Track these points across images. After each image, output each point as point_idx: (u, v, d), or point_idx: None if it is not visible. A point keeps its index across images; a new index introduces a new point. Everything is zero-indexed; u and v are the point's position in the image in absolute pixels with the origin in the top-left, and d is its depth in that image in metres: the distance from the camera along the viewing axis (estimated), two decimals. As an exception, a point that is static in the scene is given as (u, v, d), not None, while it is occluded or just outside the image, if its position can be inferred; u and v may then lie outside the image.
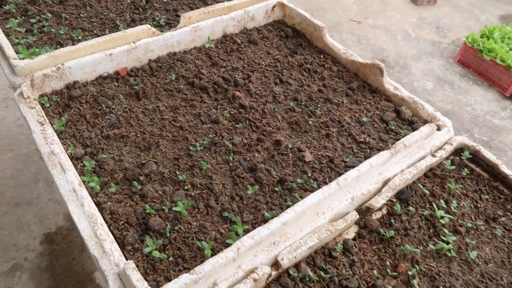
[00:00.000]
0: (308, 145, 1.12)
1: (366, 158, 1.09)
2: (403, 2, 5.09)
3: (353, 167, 1.03)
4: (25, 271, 2.32)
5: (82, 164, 1.01)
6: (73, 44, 1.35)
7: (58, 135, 1.07)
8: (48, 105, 1.15)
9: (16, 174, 2.85)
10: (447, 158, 1.13)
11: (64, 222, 2.61)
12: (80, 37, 1.40)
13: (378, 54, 4.16)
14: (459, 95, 3.68)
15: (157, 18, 1.50)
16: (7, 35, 1.36)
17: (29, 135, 3.15)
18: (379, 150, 1.11)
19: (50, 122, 1.09)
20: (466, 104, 3.49)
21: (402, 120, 1.23)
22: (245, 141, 1.11)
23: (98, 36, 1.41)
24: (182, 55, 1.37)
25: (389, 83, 1.31)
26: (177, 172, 1.02)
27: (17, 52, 1.26)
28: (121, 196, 0.96)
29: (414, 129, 1.18)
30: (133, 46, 1.27)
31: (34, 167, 2.88)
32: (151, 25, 1.46)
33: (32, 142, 3.11)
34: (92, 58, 1.22)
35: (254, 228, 0.89)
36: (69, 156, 1.01)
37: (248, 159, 1.06)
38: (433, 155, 1.10)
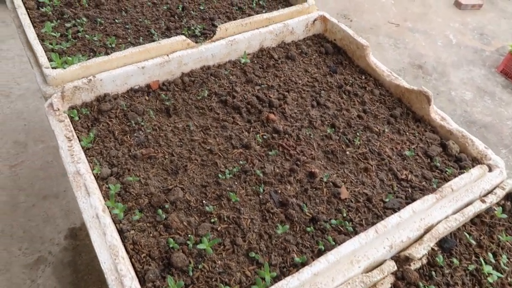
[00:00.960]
0: (345, 179, 1.04)
1: (407, 198, 1.00)
2: (446, 6, 4.86)
3: (393, 209, 0.95)
4: (48, 264, 2.35)
5: (107, 186, 0.98)
6: (106, 53, 1.32)
7: (85, 151, 1.04)
8: (77, 118, 1.12)
9: (45, 166, 2.89)
10: (498, 204, 1.03)
11: (88, 218, 2.61)
12: (113, 45, 1.36)
13: (415, 60, 3.99)
14: (500, 107, 3.47)
15: (192, 28, 1.45)
16: (42, 39, 1.34)
17: (60, 127, 3.18)
18: (421, 190, 1.02)
19: (78, 137, 1.05)
20: (507, 118, 3.29)
21: (449, 155, 1.13)
22: (277, 170, 1.04)
23: (132, 44, 1.38)
24: (216, 69, 1.32)
25: (436, 113, 1.20)
26: (204, 201, 0.96)
27: (49, 60, 1.24)
28: (145, 225, 0.91)
29: (461, 167, 1.09)
30: (166, 59, 1.22)
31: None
32: (186, 34, 1.41)
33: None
34: (124, 70, 1.17)
35: (282, 273, 0.82)
36: (94, 177, 0.97)
37: (279, 191, 0.99)
38: (483, 201, 1.00)
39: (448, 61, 4.07)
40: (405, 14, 4.63)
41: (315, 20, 1.46)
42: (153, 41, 1.40)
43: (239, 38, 1.33)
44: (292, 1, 1.61)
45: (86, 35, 1.39)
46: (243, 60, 1.33)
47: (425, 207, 0.92)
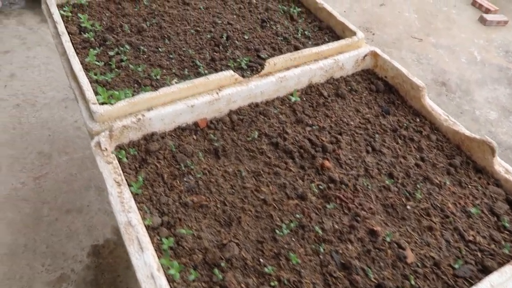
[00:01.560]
0: (408, 239, 0.98)
1: (477, 264, 0.93)
2: (470, 21, 4.76)
3: (464, 278, 0.88)
4: (71, 283, 2.31)
5: (158, 238, 0.92)
6: (151, 84, 1.28)
7: (134, 196, 0.99)
8: (125, 159, 1.07)
9: (69, 179, 2.87)
10: None
11: (112, 235, 2.59)
12: (158, 77, 1.32)
13: (439, 76, 3.90)
14: (526, 129, 3.37)
15: (238, 60, 1.40)
16: (86, 68, 1.31)
17: (85, 139, 3.17)
18: (492, 255, 0.95)
19: (126, 181, 1.01)
20: (533, 140, 3.19)
21: (516, 214, 1.06)
22: (336, 226, 0.98)
23: (177, 75, 1.33)
24: (264, 107, 1.26)
25: (500, 165, 1.13)
26: (261, 260, 0.91)
27: (95, 92, 1.19)
28: (200, 285, 0.86)
29: (531, 229, 1.01)
30: (216, 97, 1.17)
31: (87, 173, 2.89)
32: (232, 67, 1.36)
33: (87, 146, 3.12)
34: (173, 109, 1.13)
35: None
36: (146, 228, 0.92)
37: (340, 251, 0.93)
38: (559, 270, 0.92)
39: (472, 79, 3.99)
40: (428, 28, 4.55)
41: (365, 55, 1.40)
42: (198, 72, 1.35)
43: (289, 75, 1.27)
44: (338, 32, 1.55)
45: (130, 65, 1.35)
46: (293, 99, 1.27)
47: (503, 280, 0.85)
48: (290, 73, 1.27)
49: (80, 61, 1.24)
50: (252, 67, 1.38)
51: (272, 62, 1.31)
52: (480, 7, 4.83)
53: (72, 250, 2.52)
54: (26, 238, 2.55)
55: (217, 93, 1.18)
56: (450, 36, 4.52)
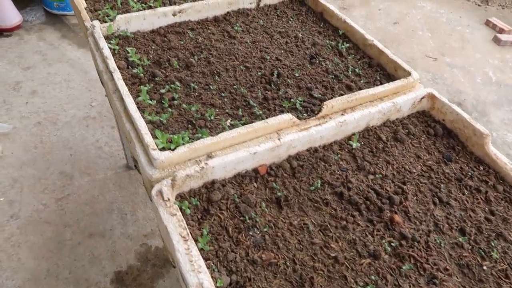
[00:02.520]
0: (491, 306, 0.92)
1: None
2: (484, 41, 4.74)
3: None
4: (95, 312, 2.25)
5: (230, 301, 0.87)
6: (205, 126, 1.24)
7: (200, 252, 0.95)
8: (188, 210, 1.03)
9: (91, 201, 2.83)
10: None
11: (135, 261, 2.53)
12: (212, 117, 1.28)
13: (454, 97, 3.88)
14: (543, 151, 3.32)
15: (292, 100, 1.36)
16: (139, 107, 1.27)
17: (106, 159, 3.14)
18: None
19: (192, 236, 0.96)
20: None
21: None
22: (415, 290, 0.93)
23: (230, 115, 1.30)
24: (324, 152, 1.22)
25: None
26: (340, 328, 0.85)
27: (152, 135, 1.16)
28: None
29: None
30: (277, 143, 1.13)
31: (109, 196, 2.85)
32: (286, 107, 1.32)
33: (109, 167, 3.09)
34: (236, 157, 1.09)
35: None
36: (217, 289, 0.87)
37: (422, 320, 0.88)
38: None
39: (488, 100, 3.97)
40: (442, 48, 4.54)
41: (422, 97, 1.36)
42: (252, 113, 1.31)
43: (349, 119, 1.23)
44: (389, 70, 1.52)
45: (183, 104, 1.31)
46: (354, 145, 1.23)
47: None
48: (350, 117, 1.23)
49: (135, 105, 1.21)
50: (307, 108, 1.34)
51: (330, 105, 1.27)
52: (493, 27, 4.82)
53: (95, 276, 2.46)
54: (49, 263, 2.50)
55: (278, 140, 1.14)
56: (464, 55, 4.52)
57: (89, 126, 3.37)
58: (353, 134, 1.29)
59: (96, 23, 1.51)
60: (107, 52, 1.37)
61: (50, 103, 3.53)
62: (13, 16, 4.00)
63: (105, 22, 1.67)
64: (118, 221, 2.77)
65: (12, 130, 3.23)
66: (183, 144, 1.13)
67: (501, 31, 4.74)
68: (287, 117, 1.21)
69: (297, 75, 1.46)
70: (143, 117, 1.22)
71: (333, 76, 1.48)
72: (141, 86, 1.35)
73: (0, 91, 3.55)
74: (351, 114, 1.24)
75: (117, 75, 1.29)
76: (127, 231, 2.73)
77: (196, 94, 1.36)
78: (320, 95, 1.39)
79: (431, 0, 5.56)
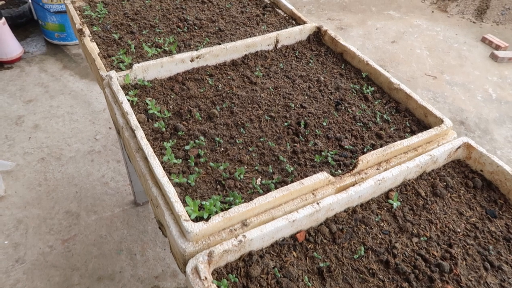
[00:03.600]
0: None
1: None
2: (482, 58, 4.76)
3: None
4: None
5: None
6: (235, 186, 1.17)
7: None
8: (227, 290, 0.95)
9: (99, 241, 2.73)
10: None
11: (147, 305, 2.41)
12: (242, 176, 1.21)
13: (456, 115, 3.86)
14: (547, 168, 3.29)
15: (323, 153, 1.30)
16: (164, 167, 1.20)
17: (113, 196, 3.05)
18: None
19: (234, 321, 0.88)
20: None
21: None
22: None
23: (260, 173, 1.23)
24: (362, 212, 1.15)
25: None
26: None
27: (183, 202, 1.08)
28: None
29: None
30: (316, 208, 1.06)
31: (117, 235, 2.75)
32: (318, 161, 1.26)
33: (116, 204, 3.00)
34: (274, 227, 1.01)
35: None
36: None
37: None
38: None
39: (490, 118, 3.95)
40: (441, 66, 4.56)
41: (459, 147, 1.30)
42: (283, 169, 1.25)
43: (387, 177, 1.17)
44: (418, 115, 1.46)
45: (210, 163, 1.24)
46: (395, 205, 1.16)
47: None
48: (388, 174, 1.17)
49: (162, 169, 1.14)
50: (339, 162, 1.27)
51: (365, 160, 1.21)
52: (490, 43, 4.86)
53: (107, 325, 2.35)
54: (58, 312, 2.38)
55: (317, 204, 1.07)
56: (463, 73, 4.53)
57: (94, 160, 3.29)
58: (391, 190, 1.22)
59: (113, 74, 1.45)
60: (127, 107, 1.31)
61: (53, 138, 3.45)
62: (14, 48, 3.95)
63: (120, 69, 1.62)
64: (127, 262, 2.67)
65: (15, 168, 3.14)
66: (216, 212, 1.06)
67: (498, 47, 4.76)
68: (323, 176, 1.14)
69: (324, 124, 1.40)
70: (170, 179, 1.15)
71: (361, 124, 1.42)
72: (165, 143, 1.28)
73: (2, 126, 3.47)
74: (389, 171, 1.18)
75: (140, 133, 1.22)
76: (137, 273, 2.63)
77: (222, 149, 1.30)
78: (351, 146, 1.33)
79: (426, 18, 5.60)
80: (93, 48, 1.67)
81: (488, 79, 4.47)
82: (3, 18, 3.78)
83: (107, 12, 1.99)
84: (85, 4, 2.04)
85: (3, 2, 4.29)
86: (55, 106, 3.72)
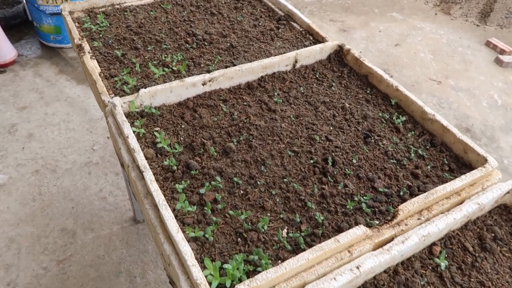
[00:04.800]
0: None
1: None
2: (486, 62, 4.65)
3: None
4: None
5: None
6: (259, 239, 1.02)
7: None
8: None
9: (96, 262, 2.56)
10: None
11: (148, 336, 2.26)
12: (265, 227, 1.06)
13: (462, 122, 3.75)
14: (555, 177, 3.16)
15: (355, 197, 1.15)
16: (176, 216, 1.04)
17: (111, 211, 2.89)
18: None
19: None
20: None
21: None
22: None
23: (286, 222, 1.08)
24: (405, 273, 1.00)
25: None
26: None
27: (200, 262, 0.93)
28: None
29: None
30: (356, 274, 0.92)
31: (116, 255, 2.59)
32: (351, 208, 1.11)
33: (115, 221, 2.83)
34: (311, 298, 0.86)
35: None
36: None
37: None
38: None
39: (496, 125, 3.84)
40: (446, 70, 4.44)
41: (507, 192, 1.16)
42: (311, 217, 1.10)
43: (432, 231, 1.02)
44: (456, 150, 1.32)
45: (229, 211, 1.09)
46: (442, 265, 1.02)
47: None
48: (433, 228, 1.02)
49: (174, 219, 0.98)
50: (374, 209, 1.13)
51: (406, 210, 1.06)
52: (494, 47, 4.74)
53: None
54: None
55: (357, 268, 0.92)
56: (468, 78, 4.43)
57: (92, 173, 3.13)
58: (434, 244, 1.07)
59: (117, 101, 1.28)
60: (134, 143, 1.15)
61: (48, 148, 3.28)
62: (8, 51, 3.76)
63: (124, 91, 1.46)
64: (126, 285, 2.51)
65: (7, 181, 2.97)
66: (240, 277, 0.91)
67: (502, 52, 4.65)
68: (360, 231, 0.99)
69: (354, 161, 1.25)
70: (184, 232, 0.99)
71: (394, 161, 1.28)
72: (176, 185, 1.12)
73: (-6, 135, 3.29)
74: (434, 224, 1.03)
75: (149, 176, 1.07)
76: (138, 299, 2.48)
77: (242, 192, 1.14)
78: (385, 189, 1.18)
79: (430, 21, 5.47)
80: (94, 67, 1.50)
81: (493, 85, 4.36)
82: (-4, 20, 3.59)
83: (108, 25, 1.83)
84: (84, 15, 1.87)
85: (-4, 3, 4.09)
86: (50, 113, 3.54)
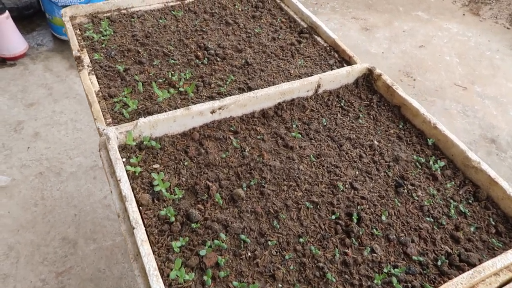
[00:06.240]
0: None
1: None
2: None
3: None
4: None
5: None
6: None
7: None
8: None
9: (97, 275, 2.43)
10: None
11: None
12: (275, 304, 0.88)
13: (487, 132, 3.50)
14: None
15: (384, 268, 0.96)
16: (171, 285, 0.87)
17: (115, 221, 2.75)
18: None
19: None
20: None
21: None
22: None
23: (299, 297, 0.89)
24: None
25: None
26: None
27: None
28: None
29: None
30: None
31: (117, 269, 2.45)
32: (378, 283, 0.92)
33: (118, 231, 2.70)
34: None
35: None
36: None
37: None
38: None
39: None
40: (472, 75, 4.17)
41: None
42: (330, 292, 0.91)
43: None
44: (504, 208, 1.11)
45: (234, 282, 0.91)
46: None
47: None
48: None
49: (162, 275, 0.81)
50: (406, 284, 0.93)
51: (453, 285, 0.87)
52: None
53: None
54: None
55: None
56: (495, 84, 4.16)
57: (97, 178, 2.99)
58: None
59: (112, 132, 1.11)
60: (126, 189, 0.98)
61: (54, 149, 3.16)
62: (18, 44, 3.63)
63: (122, 115, 1.29)
64: (127, 304, 2.38)
65: (10, 183, 2.86)
66: None
67: None
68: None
69: (384, 218, 1.06)
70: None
71: (431, 219, 1.08)
72: (173, 242, 0.95)
73: (0, 132, 3.18)
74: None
75: (140, 234, 0.90)
76: (137, 319, 2.34)
77: (249, 254, 0.96)
78: (420, 257, 0.99)
79: (457, 22, 5.16)
80: (91, 86, 1.34)
81: (522, 93, 4.10)
82: (7, 12, 3.46)
83: (112, 33, 1.65)
84: (87, 21, 1.70)
85: (7, -7, 3.96)
86: (58, 111, 3.41)
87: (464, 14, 5.51)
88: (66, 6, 3.52)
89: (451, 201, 1.14)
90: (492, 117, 3.77)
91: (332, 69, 1.57)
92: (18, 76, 3.68)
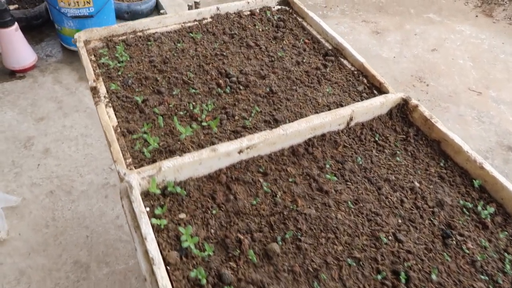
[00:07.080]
0: None
1: None
2: None
3: None
4: None
5: None
6: None
7: None
8: None
9: (110, 303, 2.34)
10: None
11: None
12: None
13: (504, 139, 3.38)
14: None
15: None
16: None
17: (127, 243, 2.66)
18: None
19: None
20: None
21: None
22: None
23: None
24: None
25: None
26: None
27: None
28: None
29: None
30: None
31: (131, 295, 2.35)
32: None
33: (131, 254, 2.61)
34: None
35: None
36: None
37: None
38: None
39: None
40: (487, 80, 4.05)
41: None
42: None
43: None
44: None
45: None
46: None
47: None
48: None
49: None
50: None
51: None
52: None
53: None
54: None
55: None
56: (511, 89, 4.03)
57: (108, 196, 2.92)
58: None
59: (134, 180, 1.02)
60: (153, 250, 0.89)
61: (64, 166, 3.09)
62: (27, 56, 3.57)
63: (143, 155, 1.20)
64: (141, 332, 2.30)
65: (20, 203, 2.79)
66: None
67: None
68: None
69: (433, 276, 0.96)
70: None
71: (485, 277, 0.97)
72: (205, 311, 0.86)
73: (10, 149, 3.12)
74: None
75: (161, 273, 0.80)
76: None
77: (289, 322, 0.87)
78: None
79: (470, 24, 5.03)
80: (109, 122, 1.25)
81: (539, 98, 3.98)
82: (16, 24, 3.39)
83: (128, 58, 1.56)
84: (102, 45, 1.61)
85: (16, 6, 3.90)
86: (68, 126, 3.34)
87: (477, 16, 5.38)
88: (75, 17, 3.45)
89: (505, 254, 1.03)
90: (509, 123, 3.65)
91: (361, 96, 1.48)
92: (27, 89, 3.62)
